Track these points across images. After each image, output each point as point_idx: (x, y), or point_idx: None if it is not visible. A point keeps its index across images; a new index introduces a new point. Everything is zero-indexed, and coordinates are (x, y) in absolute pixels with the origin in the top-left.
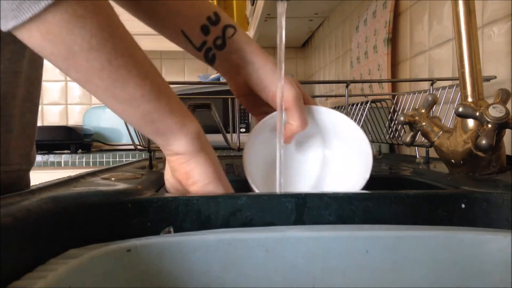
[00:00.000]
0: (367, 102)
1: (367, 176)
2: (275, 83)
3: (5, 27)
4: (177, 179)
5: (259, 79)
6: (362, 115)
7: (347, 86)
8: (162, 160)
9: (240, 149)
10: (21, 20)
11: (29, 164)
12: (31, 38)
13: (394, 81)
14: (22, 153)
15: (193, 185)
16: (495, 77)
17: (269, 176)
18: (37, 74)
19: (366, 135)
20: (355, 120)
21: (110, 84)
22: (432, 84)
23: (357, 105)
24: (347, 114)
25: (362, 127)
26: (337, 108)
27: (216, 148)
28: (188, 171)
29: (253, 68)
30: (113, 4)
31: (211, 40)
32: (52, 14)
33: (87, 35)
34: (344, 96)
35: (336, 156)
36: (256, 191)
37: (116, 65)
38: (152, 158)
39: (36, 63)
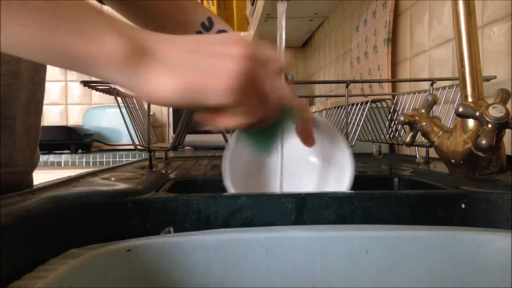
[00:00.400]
0: (367, 102)
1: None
2: None
3: None
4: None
5: None
6: (362, 115)
7: (347, 86)
8: (162, 160)
9: None
10: None
11: (33, 165)
12: None
13: (394, 81)
14: (27, 155)
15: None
16: (495, 77)
17: (251, 179)
18: (41, 75)
19: (366, 135)
20: (355, 120)
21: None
22: (432, 84)
23: (357, 105)
24: (347, 114)
25: (362, 127)
26: (337, 108)
27: (216, 148)
28: (148, 95)
29: None
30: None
31: None
32: None
33: None
34: (344, 96)
35: (316, 167)
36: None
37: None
38: (152, 158)
39: (39, 64)
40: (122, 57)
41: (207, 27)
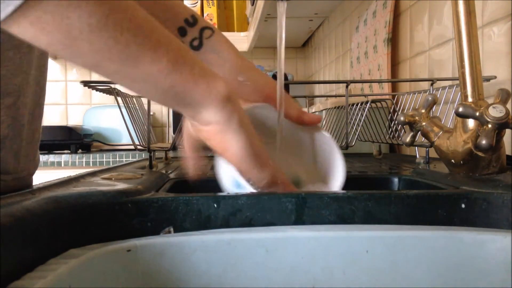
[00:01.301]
0: (367, 102)
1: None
2: (256, 78)
3: None
4: (213, 148)
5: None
6: (362, 115)
7: (347, 86)
8: (162, 160)
9: None
10: (4, 14)
11: (35, 167)
12: (23, 31)
13: (394, 81)
14: (31, 159)
15: (231, 157)
16: (495, 77)
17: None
18: (45, 80)
19: (366, 135)
20: (355, 120)
21: (121, 64)
22: (432, 84)
23: (357, 105)
24: (347, 114)
25: (362, 127)
26: (337, 108)
27: None
28: (225, 142)
29: (231, 66)
30: None
31: (188, 41)
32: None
33: (84, 15)
34: (344, 96)
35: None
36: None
37: (124, 41)
38: (152, 158)
39: (44, 68)
40: (224, 96)
41: (190, 23)
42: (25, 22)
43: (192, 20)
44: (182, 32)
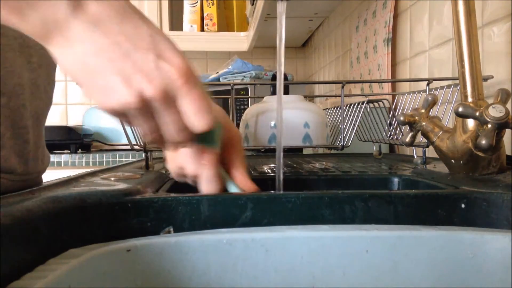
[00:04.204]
0: (363, 102)
1: None
2: None
3: None
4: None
5: None
6: (358, 115)
7: (342, 87)
8: (162, 160)
9: None
10: None
11: (44, 168)
12: None
13: (390, 81)
14: (39, 160)
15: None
16: (492, 76)
17: None
18: (52, 89)
19: (366, 135)
20: (351, 121)
21: None
22: (428, 84)
23: (354, 105)
24: (343, 114)
25: (362, 127)
26: (336, 108)
27: None
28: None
29: None
30: None
31: None
32: None
33: None
34: (344, 96)
35: None
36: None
37: None
38: (149, 158)
39: (51, 78)
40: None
41: None
42: None
43: None
44: None
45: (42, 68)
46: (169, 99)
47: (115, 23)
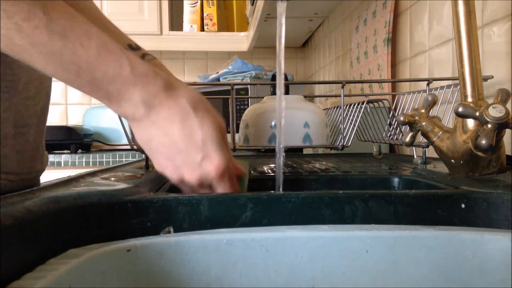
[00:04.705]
0: (363, 103)
1: None
2: None
3: None
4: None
5: None
6: (358, 116)
7: (342, 87)
8: None
9: (235, 149)
10: None
11: (43, 168)
12: None
13: (391, 81)
14: (38, 160)
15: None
16: (492, 76)
17: None
18: (50, 88)
19: (366, 135)
20: (351, 121)
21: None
22: (428, 84)
23: (353, 105)
24: (343, 114)
25: (362, 127)
26: (336, 108)
27: None
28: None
29: None
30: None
31: None
32: None
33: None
34: (344, 96)
35: None
36: None
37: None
38: (149, 159)
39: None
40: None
41: (134, 48)
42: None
43: (135, 46)
44: None
45: None
46: (205, 184)
47: (177, 129)
